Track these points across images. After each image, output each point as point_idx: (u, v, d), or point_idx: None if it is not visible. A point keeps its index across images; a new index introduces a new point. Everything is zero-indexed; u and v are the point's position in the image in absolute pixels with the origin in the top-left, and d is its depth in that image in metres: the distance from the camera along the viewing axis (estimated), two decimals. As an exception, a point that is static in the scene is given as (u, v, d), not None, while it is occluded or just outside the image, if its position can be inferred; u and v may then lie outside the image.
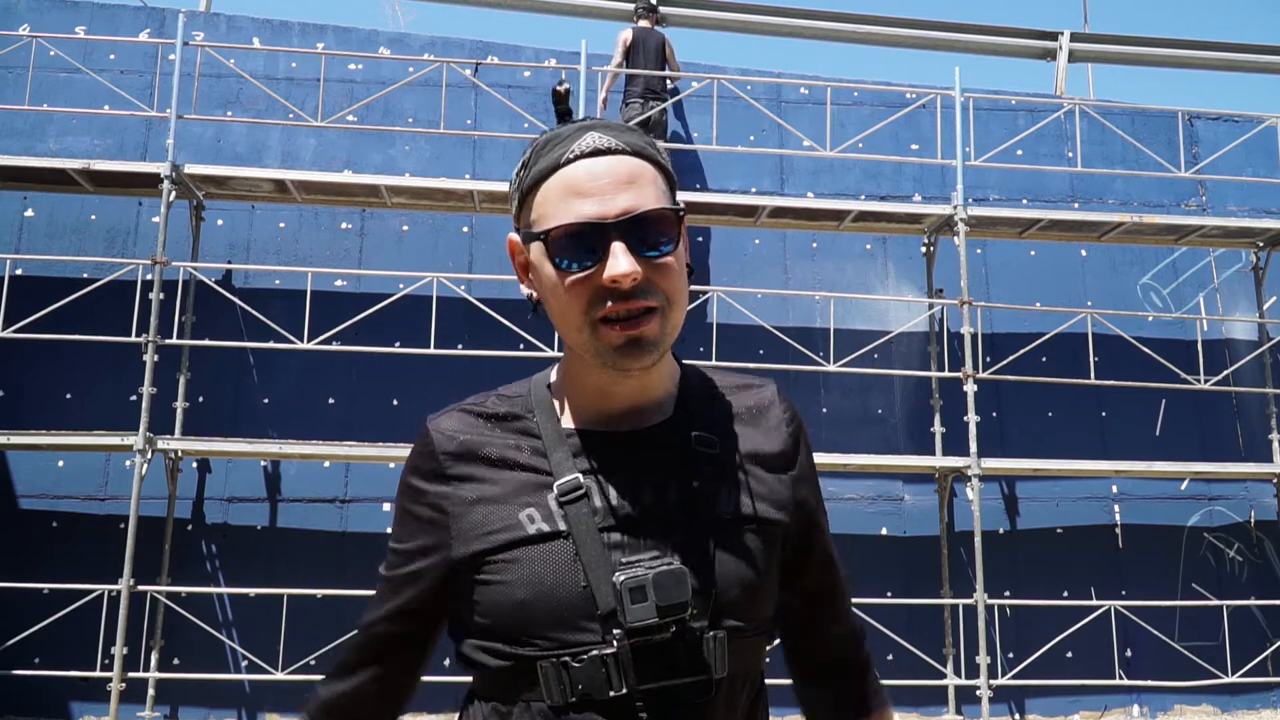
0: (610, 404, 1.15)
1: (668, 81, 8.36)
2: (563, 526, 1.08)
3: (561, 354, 1.21)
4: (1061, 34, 9.99)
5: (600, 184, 1.06)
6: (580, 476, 1.10)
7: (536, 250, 1.10)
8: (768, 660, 1.23)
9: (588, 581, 1.06)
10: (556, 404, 1.17)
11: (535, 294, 1.14)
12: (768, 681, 1.23)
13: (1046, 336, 8.06)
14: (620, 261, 1.04)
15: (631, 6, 9.13)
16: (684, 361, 1.26)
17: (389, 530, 1.23)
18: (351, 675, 1.23)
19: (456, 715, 1.21)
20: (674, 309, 1.09)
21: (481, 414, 1.17)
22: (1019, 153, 8.65)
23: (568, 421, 1.16)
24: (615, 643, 1.04)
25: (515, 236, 1.16)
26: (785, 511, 1.17)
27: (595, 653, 1.05)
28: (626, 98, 8.27)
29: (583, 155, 1.07)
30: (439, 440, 1.16)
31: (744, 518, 1.13)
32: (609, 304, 1.05)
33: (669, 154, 8.21)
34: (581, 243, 1.05)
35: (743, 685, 1.14)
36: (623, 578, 1.04)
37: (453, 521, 1.13)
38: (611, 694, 1.04)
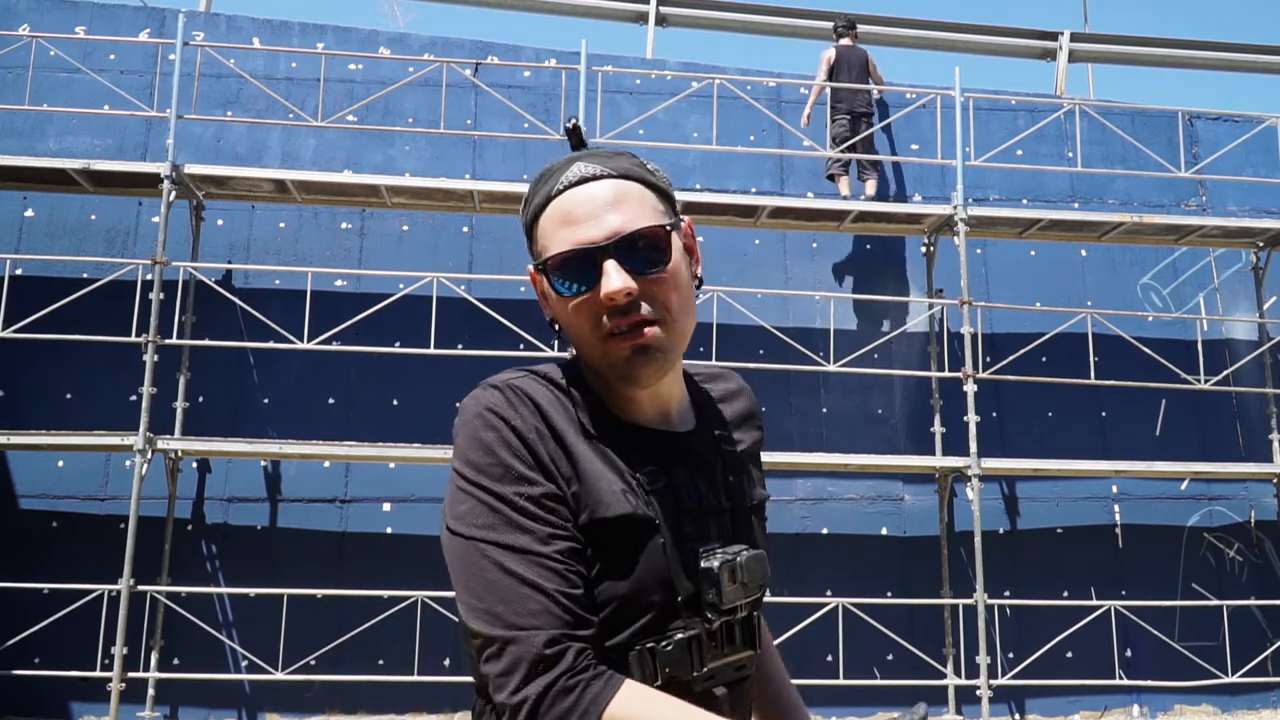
0: (641, 410, 1.19)
1: (873, 96, 8.48)
2: (655, 515, 1.12)
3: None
4: (1061, 34, 10.00)
5: (588, 209, 1.12)
6: (659, 470, 1.15)
7: (545, 280, 1.16)
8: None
9: (670, 568, 1.11)
10: (595, 401, 1.18)
11: (556, 322, 1.19)
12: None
13: (1046, 336, 8.05)
14: (613, 279, 1.09)
15: (636, 8, 9.13)
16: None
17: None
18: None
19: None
20: (676, 320, 1.14)
21: (547, 389, 1.15)
22: (1019, 153, 8.65)
23: (615, 420, 1.18)
24: (702, 624, 1.11)
25: (531, 268, 1.22)
26: (764, 488, 1.32)
27: (680, 636, 1.10)
28: (833, 115, 8.37)
29: (570, 185, 1.14)
30: (535, 394, 1.12)
31: (757, 505, 1.26)
32: (610, 321, 1.11)
33: (882, 166, 8.33)
34: (577, 267, 1.12)
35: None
36: (715, 560, 1.12)
37: (567, 482, 1.09)
38: (694, 674, 1.11)
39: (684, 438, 1.21)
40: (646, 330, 1.11)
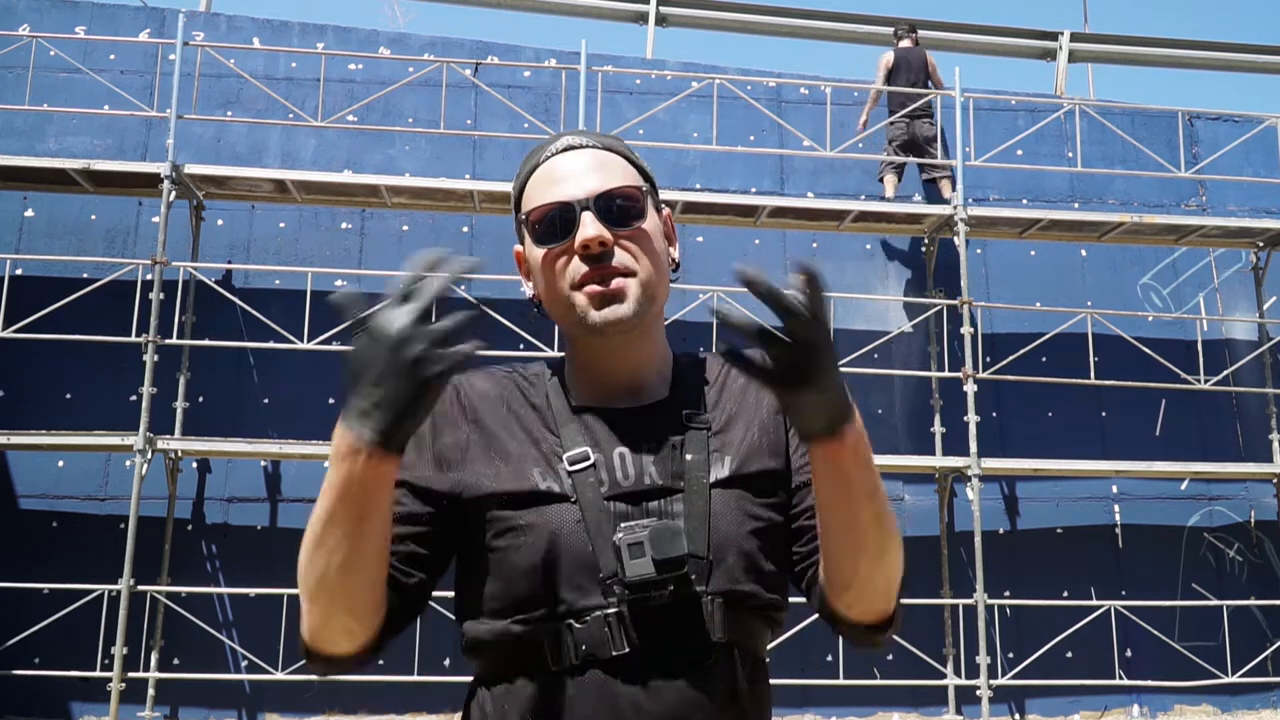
0: (610, 383, 1.22)
1: (932, 96, 8.49)
2: (570, 493, 1.14)
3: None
4: (1061, 34, 10.00)
5: (571, 170, 1.19)
6: (589, 449, 1.17)
7: (527, 239, 1.22)
8: (768, 659, 1.22)
9: (592, 546, 1.11)
10: (565, 386, 1.25)
11: (536, 292, 1.23)
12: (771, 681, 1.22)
13: (1046, 336, 8.05)
14: (588, 228, 1.15)
15: (636, 8, 9.12)
16: (677, 353, 1.31)
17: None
18: None
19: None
20: (648, 278, 1.17)
21: (507, 378, 1.27)
22: (1019, 153, 8.65)
23: (575, 401, 1.24)
24: (616, 602, 1.09)
25: (518, 246, 1.26)
26: (782, 456, 1.23)
27: (598, 613, 1.10)
28: (891, 118, 8.38)
29: (558, 153, 1.21)
30: (466, 389, 1.24)
31: (739, 479, 1.18)
32: (584, 270, 1.15)
33: (941, 170, 8.30)
34: (556, 220, 1.17)
35: (742, 661, 1.14)
36: (621, 534, 1.10)
37: (469, 464, 1.19)
38: (614, 653, 1.09)
39: (637, 413, 1.20)
40: (615, 281, 1.15)
